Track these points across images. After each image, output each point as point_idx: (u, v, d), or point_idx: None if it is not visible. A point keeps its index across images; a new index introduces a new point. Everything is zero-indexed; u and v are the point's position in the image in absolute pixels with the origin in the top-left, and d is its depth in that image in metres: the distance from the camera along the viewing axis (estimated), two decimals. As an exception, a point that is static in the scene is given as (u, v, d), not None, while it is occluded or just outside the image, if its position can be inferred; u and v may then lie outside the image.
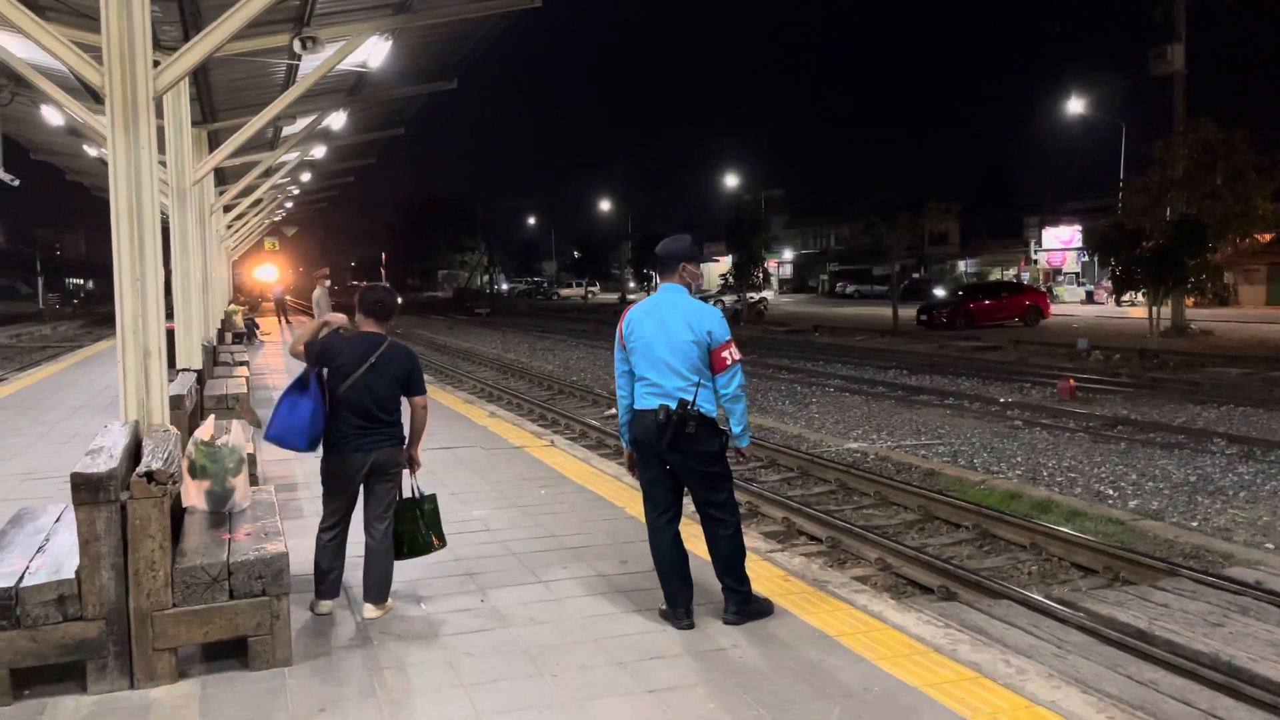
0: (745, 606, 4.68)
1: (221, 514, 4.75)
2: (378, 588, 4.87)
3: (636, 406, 4.66)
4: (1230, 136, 25.11)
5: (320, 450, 4.79)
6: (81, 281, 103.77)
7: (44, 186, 49.37)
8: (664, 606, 4.75)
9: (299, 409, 4.67)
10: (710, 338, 4.52)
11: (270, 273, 46.43)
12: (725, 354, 4.53)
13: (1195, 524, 8.57)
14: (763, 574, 5.41)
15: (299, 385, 4.71)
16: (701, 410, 4.48)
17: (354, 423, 4.71)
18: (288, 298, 37.28)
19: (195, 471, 4.69)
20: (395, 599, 5.01)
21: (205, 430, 4.85)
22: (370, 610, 4.84)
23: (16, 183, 17.17)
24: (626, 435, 4.79)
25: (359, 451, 4.73)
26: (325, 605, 4.87)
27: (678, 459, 4.57)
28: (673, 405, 4.47)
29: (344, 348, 4.77)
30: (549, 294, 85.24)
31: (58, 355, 25.08)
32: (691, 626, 4.61)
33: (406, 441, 4.93)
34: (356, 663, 4.27)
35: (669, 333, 4.54)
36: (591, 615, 4.82)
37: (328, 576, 4.85)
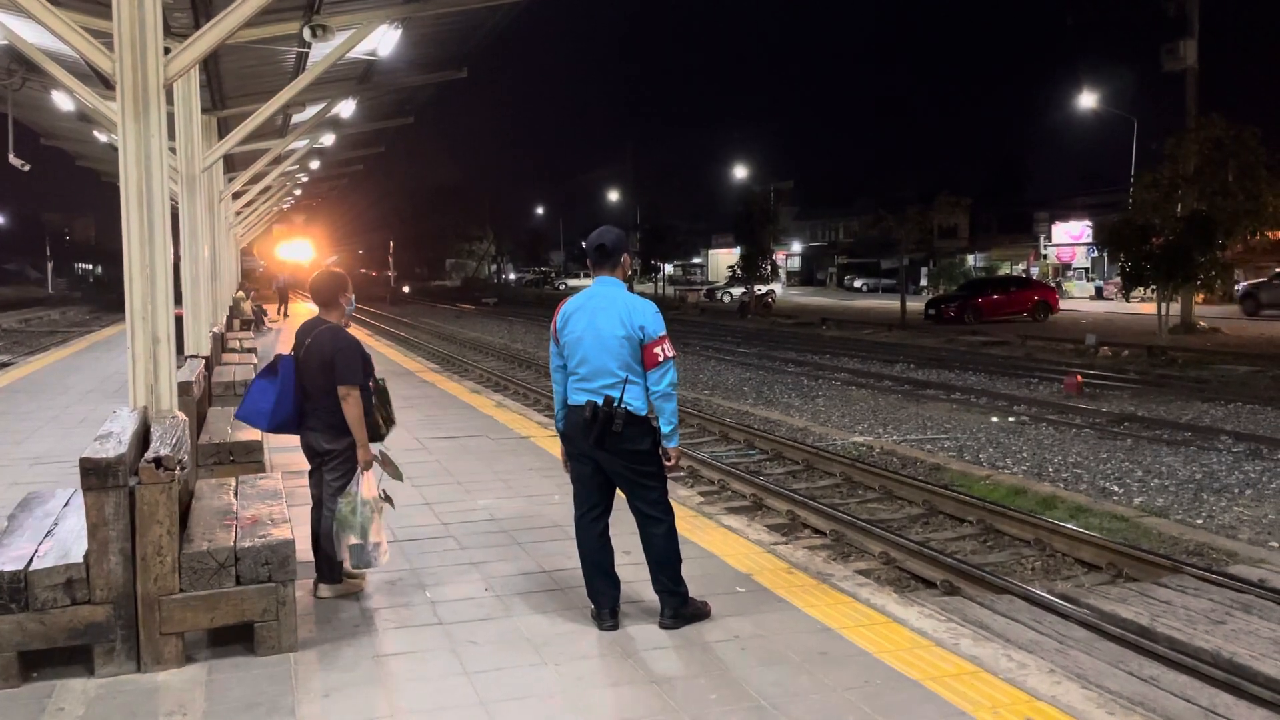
0: (682, 609, 4.54)
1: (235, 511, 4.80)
2: (319, 567, 4.99)
3: (569, 402, 4.53)
4: (1240, 133, 25.01)
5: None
6: (90, 267, 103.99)
7: (54, 172, 49.24)
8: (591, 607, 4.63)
9: (266, 394, 4.88)
10: (643, 333, 4.36)
11: (305, 250, 40.29)
12: (657, 350, 4.36)
13: (1200, 521, 8.57)
14: (766, 566, 5.43)
15: (269, 370, 4.92)
16: (629, 408, 4.34)
17: (302, 405, 4.93)
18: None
19: (343, 525, 4.77)
20: (400, 586, 5.06)
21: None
22: (320, 589, 4.96)
23: (27, 168, 17.22)
24: (562, 430, 4.67)
25: (300, 430, 4.96)
26: (324, 590, 4.98)
27: (605, 457, 4.42)
28: (599, 402, 4.35)
29: (300, 333, 5.02)
30: (556, 284, 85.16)
31: (67, 340, 25.18)
32: (615, 628, 4.49)
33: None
34: (362, 649, 4.30)
35: (599, 328, 4.39)
36: (595, 605, 4.83)
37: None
